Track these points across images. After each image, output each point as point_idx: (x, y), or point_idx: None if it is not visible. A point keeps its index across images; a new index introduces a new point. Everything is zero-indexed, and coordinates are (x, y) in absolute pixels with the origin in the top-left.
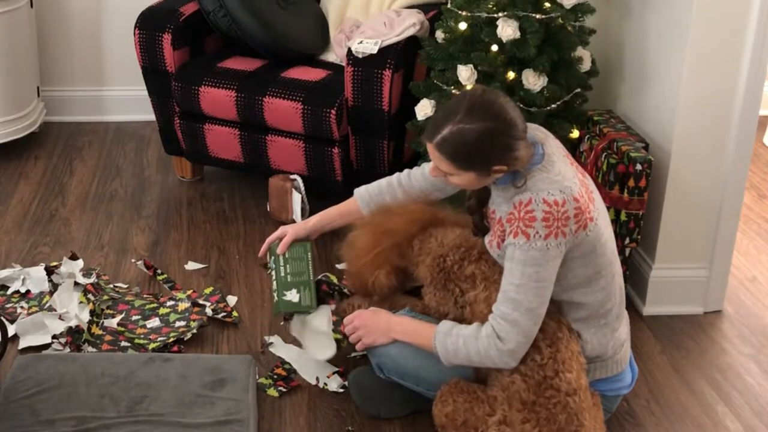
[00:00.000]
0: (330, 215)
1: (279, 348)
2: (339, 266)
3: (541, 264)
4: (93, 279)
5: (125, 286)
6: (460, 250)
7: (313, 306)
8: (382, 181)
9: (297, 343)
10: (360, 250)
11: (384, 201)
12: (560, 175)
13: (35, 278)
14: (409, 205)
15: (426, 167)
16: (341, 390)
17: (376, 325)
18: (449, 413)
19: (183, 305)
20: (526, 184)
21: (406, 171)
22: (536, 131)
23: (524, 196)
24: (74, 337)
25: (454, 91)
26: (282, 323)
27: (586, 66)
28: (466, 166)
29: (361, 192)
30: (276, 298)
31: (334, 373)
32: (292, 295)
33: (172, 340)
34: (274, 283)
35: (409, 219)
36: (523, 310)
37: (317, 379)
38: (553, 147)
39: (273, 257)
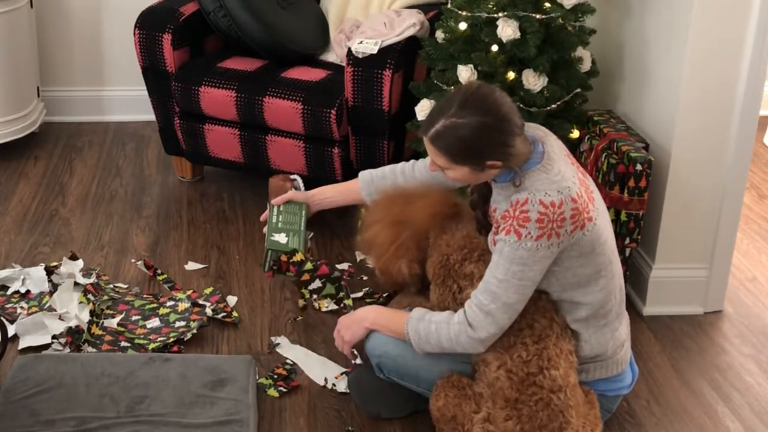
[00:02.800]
0: (329, 190)
1: (286, 349)
2: (358, 255)
3: (527, 264)
4: (93, 279)
5: (125, 286)
6: (463, 251)
7: (300, 250)
8: (386, 168)
9: (303, 343)
10: (381, 246)
11: (384, 185)
12: (559, 175)
13: (35, 278)
14: (428, 191)
15: None
16: (349, 391)
17: (351, 320)
18: (440, 407)
19: (183, 305)
20: (524, 183)
21: (411, 161)
22: (537, 130)
23: (521, 195)
24: (74, 337)
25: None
26: (269, 277)
27: (586, 66)
28: (460, 160)
29: (364, 175)
30: (266, 239)
31: (342, 374)
32: (280, 237)
33: (172, 340)
34: (267, 229)
35: (429, 210)
36: (500, 303)
37: (325, 380)
38: (554, 146)
39: (271, 210)
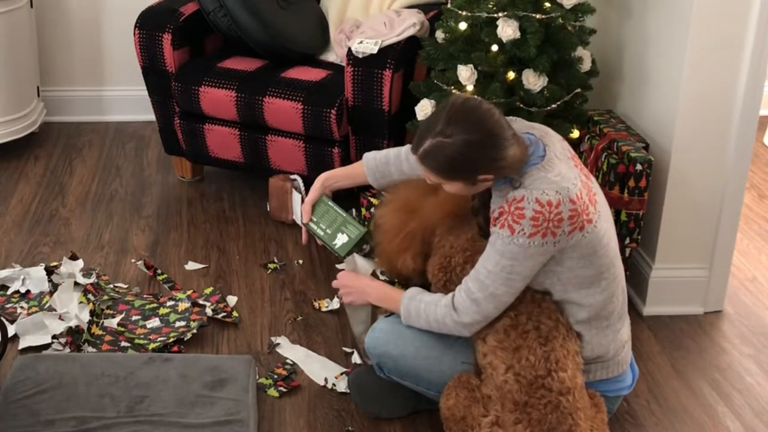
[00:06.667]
0: (337, 174)
1: (286, 349)
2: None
3: (517, 259)
4: (93, 279)
5: (125, 286)
6: (465, 254)
7: (361, 228)
8: (391, 151)
9: (303, 343)
10: (388, 233)
11: (389, 171)
12: (559, 176)
13: (35, 278)
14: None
15: None
16: (349, 391)
17: (355, 287)
18: (451, 407)
19: (183, 305)
20: (523, 182)
21: None
22: (539, 131)
23: (518, 192)
24: (74, 337)
25: (454, 91)
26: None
27: (586, 66)
28: (451, 177)
29: (368, 158)
30: (334, 252)
31: (342, 374)
32: (341, 239)
33: (172, 340)
34: (325, 244)
35: (442, 207)
36: (487, 294)
37: (326, 380)
38: (557, 148)
39: (309, 228)
